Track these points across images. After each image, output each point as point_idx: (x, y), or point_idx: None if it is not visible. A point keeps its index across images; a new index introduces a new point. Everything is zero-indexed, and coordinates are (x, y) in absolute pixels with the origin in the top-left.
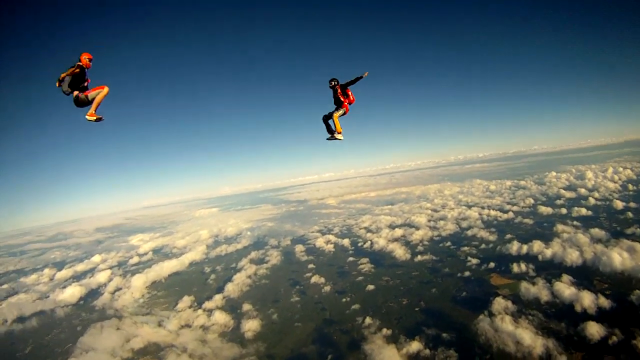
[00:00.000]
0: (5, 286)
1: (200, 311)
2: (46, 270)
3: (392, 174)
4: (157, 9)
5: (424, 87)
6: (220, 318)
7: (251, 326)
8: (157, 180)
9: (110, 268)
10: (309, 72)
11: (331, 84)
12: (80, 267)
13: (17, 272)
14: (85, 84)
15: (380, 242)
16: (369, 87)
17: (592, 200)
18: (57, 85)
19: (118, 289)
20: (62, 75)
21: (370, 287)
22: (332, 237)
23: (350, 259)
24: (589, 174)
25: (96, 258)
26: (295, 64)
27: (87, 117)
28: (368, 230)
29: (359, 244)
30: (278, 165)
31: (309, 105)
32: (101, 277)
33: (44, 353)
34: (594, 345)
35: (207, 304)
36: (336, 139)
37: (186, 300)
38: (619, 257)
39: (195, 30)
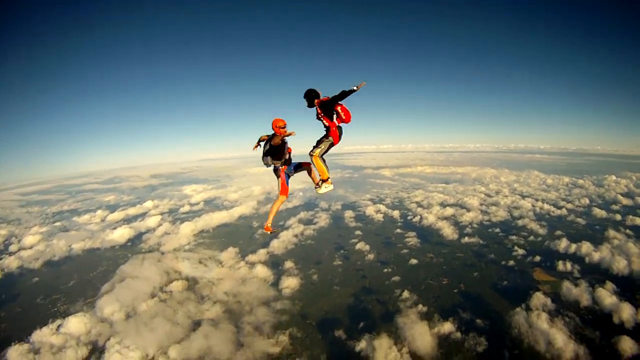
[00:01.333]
0: (58, 224)
1: (242, 262)
2: (99, 212)
3: (449, 153)
4: None
5: (492, 70)
6: (262, 271)
7: (290, 283)
8: (216, 135)
9: (161, 214)
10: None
11: (306, 99)
12: (132, 211)
13: (71, 211)
14: (287, 154)
15: (429, 218)
16: (433, 66)
17: None
18: (254, 148)
19: (166, 234)
20: (262, 137)
21: (414, 261)
22: (382, 207)
23: (398, 230)
24: None
25: (148, 203)
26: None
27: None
28: (419, 205)
29: (409, 218)
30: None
31: (376, 71)
32: (151, 221)
33: (86, 288)
34: None
35: (251, 257)
36: (320, 191)
37: (231, 251)
38: None
39: None
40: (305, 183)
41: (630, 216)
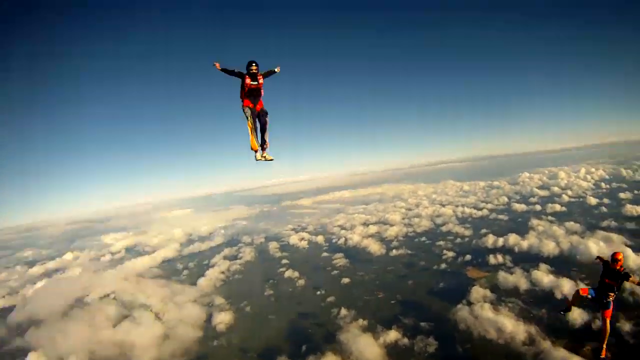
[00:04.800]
0: None
1: (171, 304)
2: (17, 268)
3: (364, 174)
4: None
5: (395, 89)
6: (192, 311)
7: (224, 318)
8: (128, 183)
9: (82, 265)
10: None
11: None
12: (52, 265)
13: None
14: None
15: (354, 239)
16: (340, 90)
17: (565, 198)
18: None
19: (89, 285)
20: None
21: (346, 280)
22: (306, 235)
23: (325, 254)
24: (562, 174)
25: (68, 256)
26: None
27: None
28: (342, 227)
29: (334, 241)
30: (251, 168)
31: (289, 109)
32: (72, 274)
33: (11, 350)
34: (577, 331)
35: (179, 298)
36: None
37: (158, 293)
38: (595, 247)
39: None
40: (226, 221)
41: (550, 204)
